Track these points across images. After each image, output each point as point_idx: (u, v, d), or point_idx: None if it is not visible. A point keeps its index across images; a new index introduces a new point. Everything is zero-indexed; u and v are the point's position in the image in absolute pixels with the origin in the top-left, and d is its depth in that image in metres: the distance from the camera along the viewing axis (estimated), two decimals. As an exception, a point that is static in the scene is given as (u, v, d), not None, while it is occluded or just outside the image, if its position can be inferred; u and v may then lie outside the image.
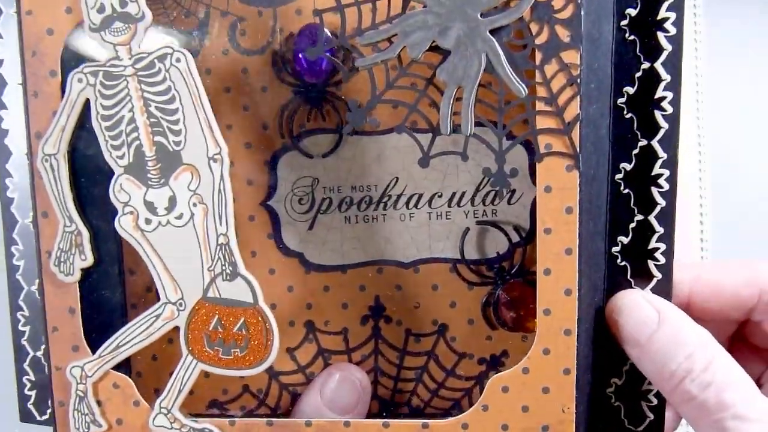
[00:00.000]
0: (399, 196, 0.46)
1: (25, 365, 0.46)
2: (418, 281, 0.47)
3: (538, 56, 0.39)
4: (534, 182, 0.45)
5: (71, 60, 0.41)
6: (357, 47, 0.40)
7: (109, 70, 0.41)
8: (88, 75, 0.41)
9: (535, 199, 0.45)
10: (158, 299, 0.47)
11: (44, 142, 0.41)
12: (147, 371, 0.47)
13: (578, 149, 0.39)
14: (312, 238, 0.47)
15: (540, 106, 0.39)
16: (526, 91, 0.39)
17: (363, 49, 0.40)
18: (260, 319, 0.41)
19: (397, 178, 0.46)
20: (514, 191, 0.46)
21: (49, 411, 0.46)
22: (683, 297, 0.42)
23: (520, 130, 0.40)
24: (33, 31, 0.41)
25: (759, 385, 0.41)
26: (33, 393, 0.46)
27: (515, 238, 0.46)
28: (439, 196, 0.46)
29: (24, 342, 0.46)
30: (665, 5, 0.39)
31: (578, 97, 0.39)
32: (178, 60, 0.40)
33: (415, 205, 0.46)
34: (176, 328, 0.42)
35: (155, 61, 0.41)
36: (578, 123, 0.39)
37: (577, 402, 0.41)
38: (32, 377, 0.46)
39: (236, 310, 0.42)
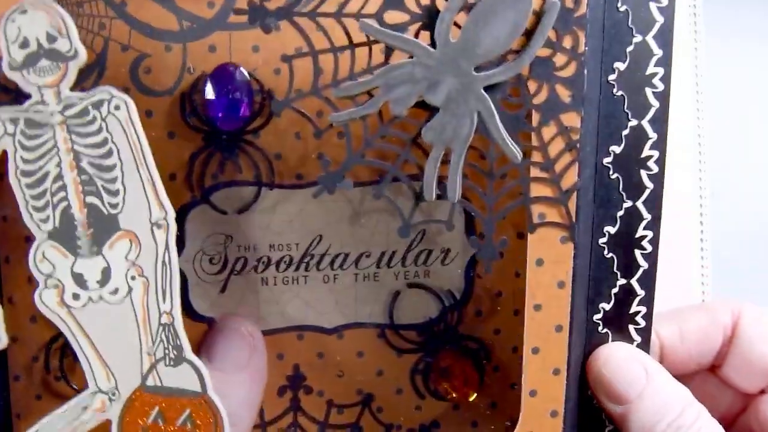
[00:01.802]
0: (323, 256, 0.42)
1: None
2: (343, 348, 0.43)
3: (536, 117, 0.35)
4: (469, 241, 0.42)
5: (-17, 103, 0.34)
6: (331, 100, 0.35)
7: (32, 117, 0.34)
8: (6, 122, 0.34)
9: (470, 260, 0.43)
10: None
11: (-54, 201, 0.34)
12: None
13: (574, 219, 0.36)
14: (224, 301, 0.42)
15: (535, 172, 0.36)
16: (521, 156, 0.35)
17: (338, 103, 0.35)
18: (208, 410, 0.36)
19: (321, 236, 0.42)
20: (448, 251, 0.43)
21: None
22: (655, 355, 0.41)
23: (510, 197, 0.36)
24: (-67, 65, 0.34)
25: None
26: None
27: (449, 301, 0.43)
28: (367, 256, 0.42)
29: None
30: (654, 60, 0.37)
31: (577, 163, 0.36)
32: (117, 107, 0.34)
33: (341, 266, 0.42)
34: (108, 422, 0.36)
35: (89, 107, 0.34)
36: (576, 191, 0.36)
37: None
38: None
39: (180, 400, 0.36)
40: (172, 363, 0.35)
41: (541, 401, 0.38)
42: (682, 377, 0.40)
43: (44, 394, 0.41)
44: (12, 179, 0.34)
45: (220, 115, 0.38)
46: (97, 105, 0.34)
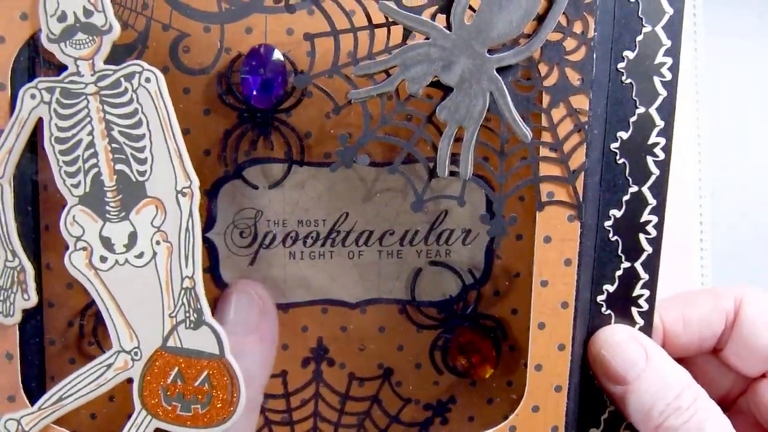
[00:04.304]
0: (348, 233, 0.43)
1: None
2: (365, 323, 0.45)
3: (546, 99, 0.37)
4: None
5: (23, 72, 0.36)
6: (351, 78, 0.36)
7: (67, 87, 0.36)
8: (43, 91, 0.36)
9: (491, 240, 0.44)
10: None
11: (-15, 164, 0.36)
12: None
13: (581, 199, 0.37)
14: (252, 274, 0.43)
15: (544, 151, 0.37)
16: (531, 136, 0.36)
17: (357, 81, 0.37)
18: (226, 372, 0.37)
19: (347, 213, 0.43)
20: (469, 231, 0.44)
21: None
22: (658, 339, 0.42)
23: (520, 176, 0.38)
24: (-22, 38, 0.36)
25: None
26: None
27: (469, 280, 0.44)
28: (391, 234, 0.44)
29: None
30: (662, 50, 0.38)
31: (585, 144, 0.37)
32: (147, 80, 0.36)
33: (365, 243, 0.44)
34: (129, 380, 0.38)
35: (121, 79, 0.36)
36: (583, 172, 0.37)
37: (561, 458, 0.39)
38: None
39: (199, 361, 0.37)
40: (192, 326, 0.37)
41: (546, 376, 0.39)
42: (684, 359, 0.41)
43: (78, 358, 0.43)
44: (47, 145, 0.36)
45: (254, 93, 0.40)
46: (129, 77, 0.36)
